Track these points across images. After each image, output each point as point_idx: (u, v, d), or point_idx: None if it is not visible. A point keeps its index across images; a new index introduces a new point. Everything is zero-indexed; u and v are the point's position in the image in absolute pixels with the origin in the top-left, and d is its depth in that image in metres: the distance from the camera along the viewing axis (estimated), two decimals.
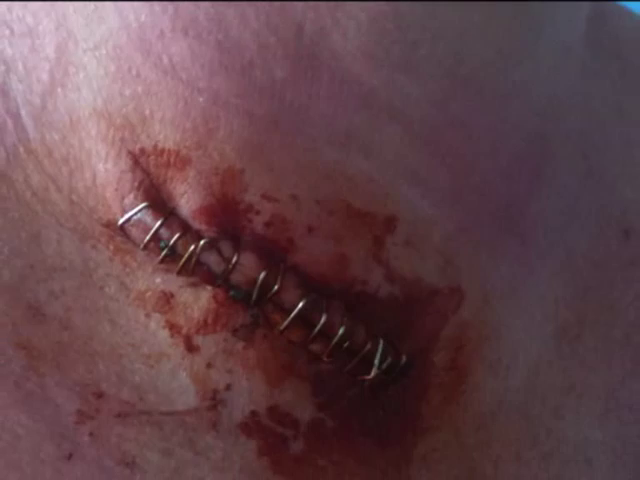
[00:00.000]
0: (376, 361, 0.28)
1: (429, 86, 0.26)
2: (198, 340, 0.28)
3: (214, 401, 0.28)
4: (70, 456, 0.26)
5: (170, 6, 0.25)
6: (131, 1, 0.25)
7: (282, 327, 0.28)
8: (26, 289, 0.27)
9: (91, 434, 0.26)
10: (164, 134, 0.27)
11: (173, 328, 0.28)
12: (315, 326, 0.28)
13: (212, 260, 0.27)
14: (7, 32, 0.27)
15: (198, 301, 0.28)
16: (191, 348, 0.28)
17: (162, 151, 0.27)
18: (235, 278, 0.27)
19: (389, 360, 0.29)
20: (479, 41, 0.25)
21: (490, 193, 0.29)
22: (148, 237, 0.27)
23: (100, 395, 0.27)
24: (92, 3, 0.26)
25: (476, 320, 0.30)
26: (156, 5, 0.25)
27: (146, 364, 0.28)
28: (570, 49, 0.30)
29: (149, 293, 0.28)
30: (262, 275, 0.27)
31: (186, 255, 0.27)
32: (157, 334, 0.28)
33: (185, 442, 0.27)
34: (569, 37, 0.30)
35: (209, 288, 0.28)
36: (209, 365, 0.28)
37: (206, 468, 0.27)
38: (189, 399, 0.28)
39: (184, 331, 0.28)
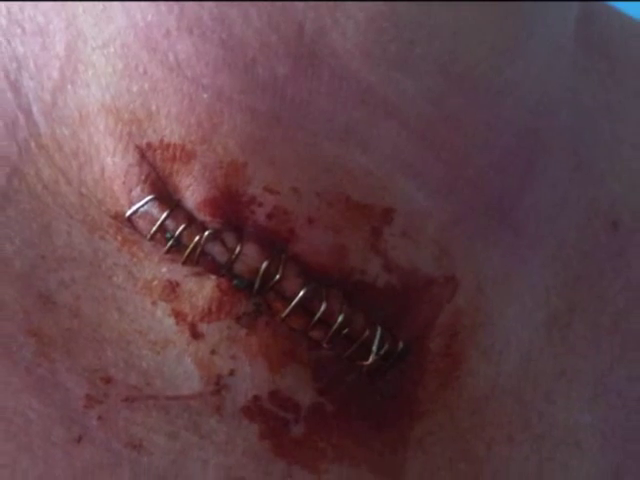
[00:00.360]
0: (374, 347, 0.29)
1: (425, 83, 0.26)
2: (203, 327, 0.28)
3: (218, 386, 0.28)
4: (79, 439, 0.26)
5: (176, 6, 0.25)
6: (138, 1, 0.26)
7: (284, 315, 0.28)
8: (37, 278, 0.27)
9: (100, 418, 0.27)
10: (170, 129, 0.27)
11: (178, 316, 0.28)
12: (315, 314, 0.28)
13: (216, 250, 0.27)
14: (19, 31, 0.28)
15: (202, 290, 0.28)
16: (196, 335, 0.28)
17: (168, 145, 0.27)
18: (238, 268, 0.28)
19: (386, 346, 0.29)
20: (473, 40, 0.26)
21: (483, 186, 0.29)
22: (154, 228, 0.27)
23: (108, 380, 0.27)
24: (101, 3, 0.26)
25: (470, 308, 0.31)
26: (162, 5, 0.25)
27: (152, 350, 0.28)
28: (561, 48, 0.30)
29: (155, 282, 0.28)
30: (264, 265, 0.27)
31: (191, 245, 0.27)
32: (163, 321, 0.28)
33: (190, 425, 0.27)
34: (560, 36, 0.30)
35: (213, 277, 0.28)
36: (213, 351, 0.28)
37: (210, 450, 0.28)
38: (194, 384, 0.28)
39: (189, 319, 0.28)
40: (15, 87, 0.28)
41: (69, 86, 0.27)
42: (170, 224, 0.27)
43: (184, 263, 0.28)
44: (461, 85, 0.26)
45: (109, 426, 0.27)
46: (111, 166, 0.27)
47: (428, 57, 0.25)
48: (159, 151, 0.27)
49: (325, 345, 0.29)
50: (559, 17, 0.29)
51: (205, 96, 0.26)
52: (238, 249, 0.27)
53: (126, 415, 0.27)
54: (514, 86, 0.28)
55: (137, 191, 0.27)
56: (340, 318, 0.28)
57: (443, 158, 0.28)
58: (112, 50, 0.26)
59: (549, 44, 0.29)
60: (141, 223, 0.28)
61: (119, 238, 0.28)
